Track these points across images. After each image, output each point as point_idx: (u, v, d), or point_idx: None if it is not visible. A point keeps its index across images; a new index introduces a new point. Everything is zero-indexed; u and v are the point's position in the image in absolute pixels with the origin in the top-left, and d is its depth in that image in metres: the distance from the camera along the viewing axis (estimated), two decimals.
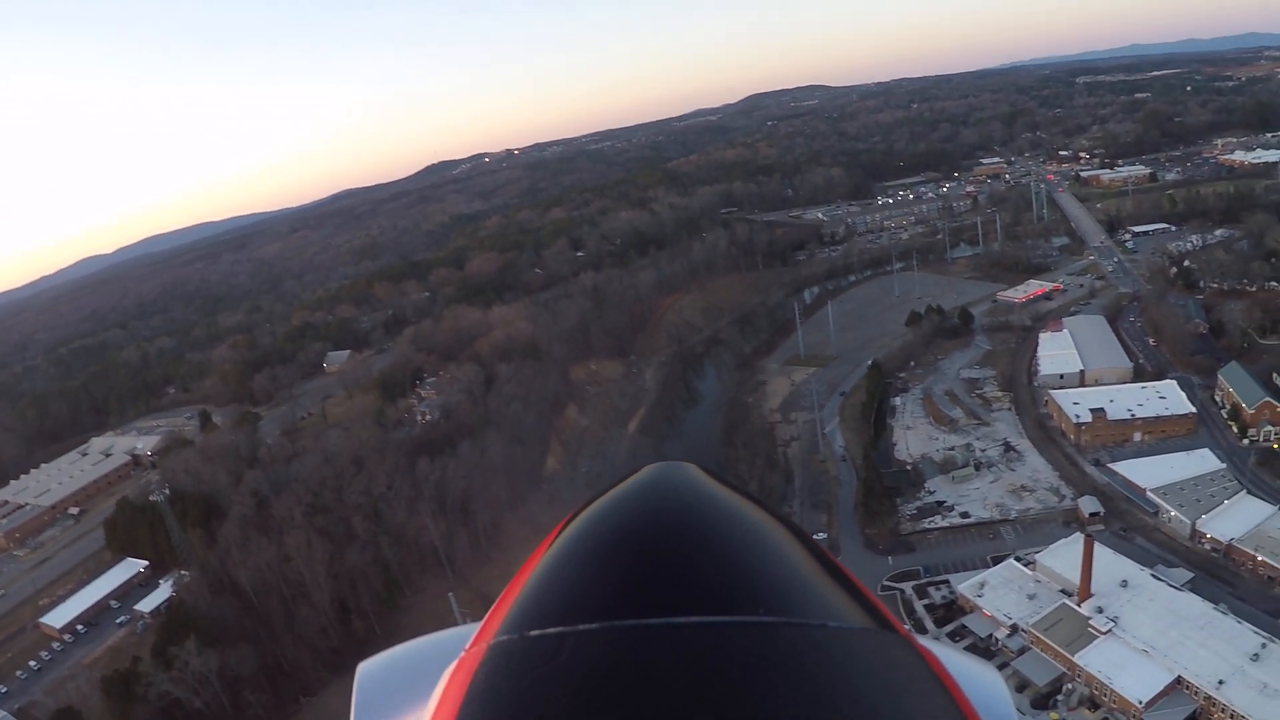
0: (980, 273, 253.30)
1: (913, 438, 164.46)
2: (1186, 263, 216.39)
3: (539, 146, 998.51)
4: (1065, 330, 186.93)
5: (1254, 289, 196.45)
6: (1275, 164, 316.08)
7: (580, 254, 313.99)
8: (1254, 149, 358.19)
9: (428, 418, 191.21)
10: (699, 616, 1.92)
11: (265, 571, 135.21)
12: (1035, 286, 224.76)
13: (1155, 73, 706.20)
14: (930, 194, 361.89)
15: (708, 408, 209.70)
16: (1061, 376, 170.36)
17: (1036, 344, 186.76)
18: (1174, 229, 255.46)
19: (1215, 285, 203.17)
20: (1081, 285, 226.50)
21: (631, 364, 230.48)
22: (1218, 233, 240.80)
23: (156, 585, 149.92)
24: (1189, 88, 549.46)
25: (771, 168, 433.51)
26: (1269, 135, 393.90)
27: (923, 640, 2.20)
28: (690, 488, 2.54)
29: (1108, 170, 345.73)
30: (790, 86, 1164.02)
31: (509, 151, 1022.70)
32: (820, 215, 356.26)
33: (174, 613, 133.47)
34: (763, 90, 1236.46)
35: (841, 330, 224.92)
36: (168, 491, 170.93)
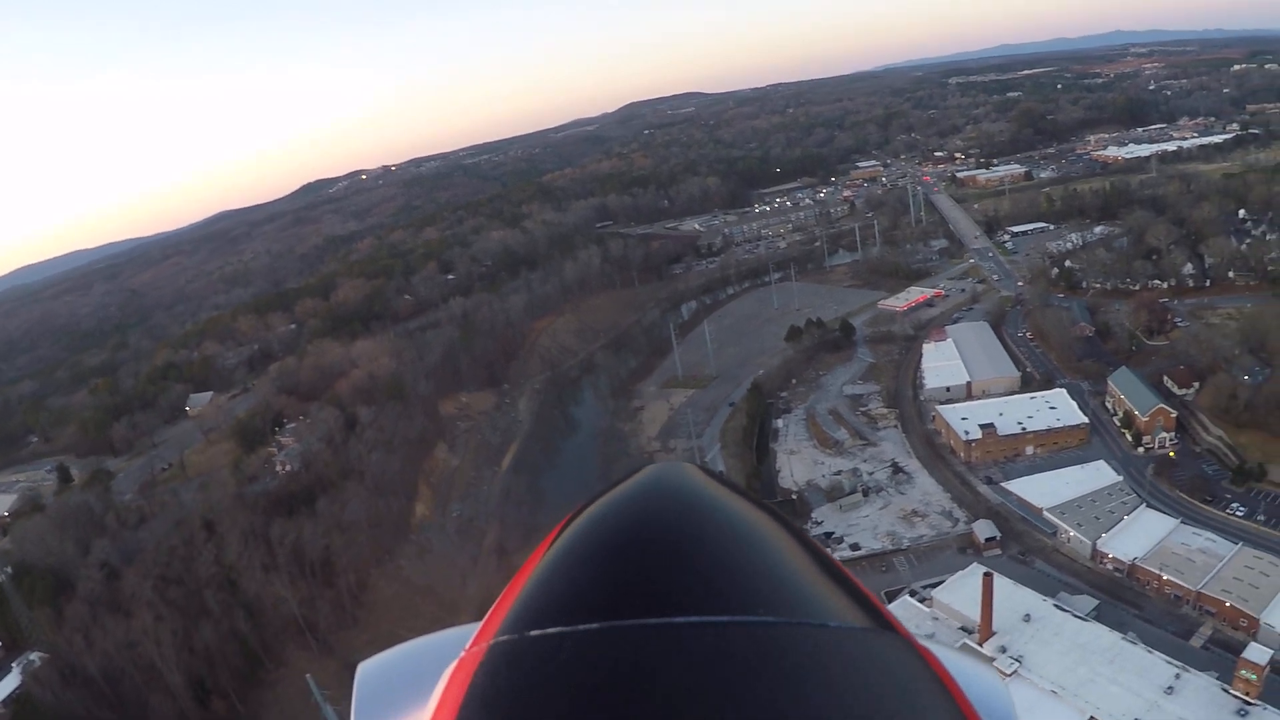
0: (860, 280, 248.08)
1: (797, 463, 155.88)
2: (1068, 263, 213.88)
3: (416, 162, 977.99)
4: (949, 339, 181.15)
5: (1137, 288, 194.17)
6: (1148, 158, 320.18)
7: (451, 277, 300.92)
8: (1126, 144, 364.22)
9: (287, 468, 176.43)
10: (699, 616, 1.93)
11: (115, 655, 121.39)
12: (917, 293, 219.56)
13: (1026, 72, 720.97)
14: (808, 200, 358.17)
15: (584, 438, 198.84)
16: (948, 389, 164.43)
17: (921, 355, 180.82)
18: (1052, 228, 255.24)
19: (1098, 285, 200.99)
20: (963, 290, 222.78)
21: (505, 394, 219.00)
22: (1096, 230, 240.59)
23: (8, 669, 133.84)
24: (1059, 85, 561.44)
25: (647, 179, 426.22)
26: (1140, 130, 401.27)
27: (923, 640, 2.20)
28: (689, 488, 2.56)
29: (983, 170, 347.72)
30: (667, 94, 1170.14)
31: (385, 168, 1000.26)
32: (697, 226, 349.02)
33: (21, 707, 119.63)
34: (640, 99, 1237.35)
35: (720, 347, 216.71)
36: (9, 570, 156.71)
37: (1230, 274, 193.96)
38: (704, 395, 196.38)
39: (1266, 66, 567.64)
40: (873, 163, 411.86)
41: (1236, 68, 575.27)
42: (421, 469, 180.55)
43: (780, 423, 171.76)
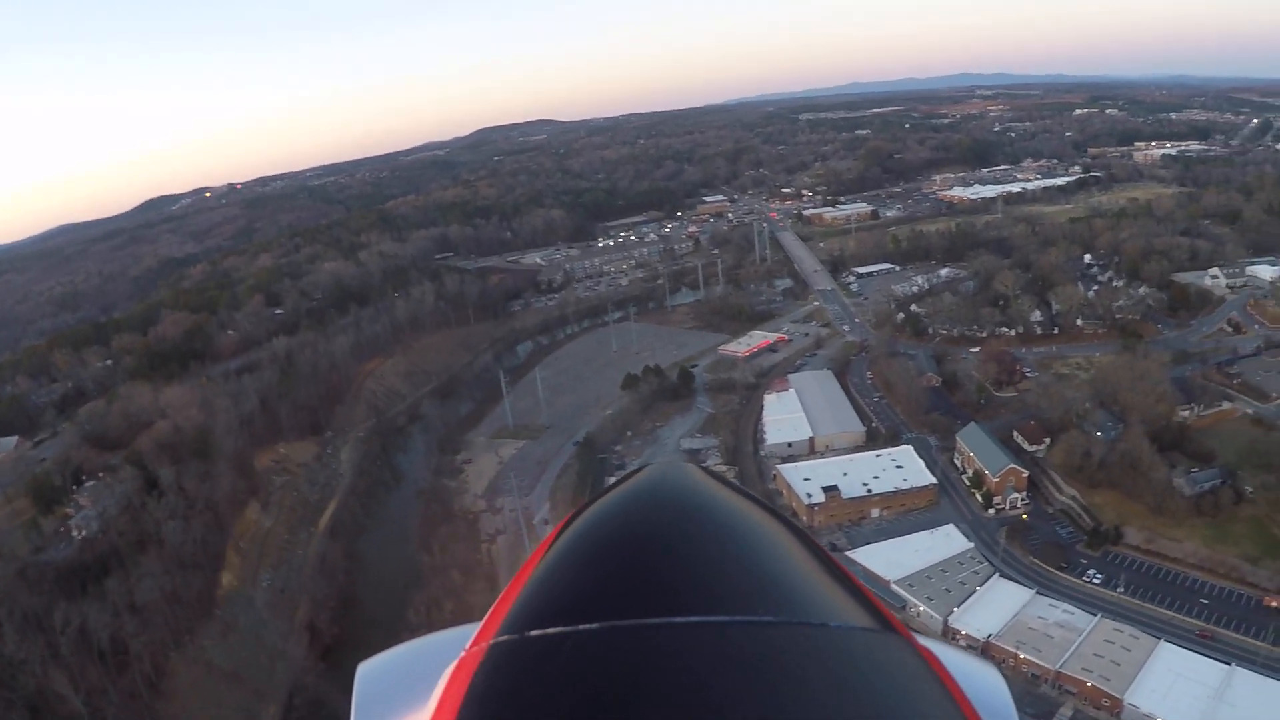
0: (702, 321, 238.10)
1: None
2: (914, 307, 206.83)
3: (262, 181, 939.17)
4: (792, 390, 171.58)
5: (985, 335, 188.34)
6: (993, 199, 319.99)
7: (279, 312, 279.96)
8: (971, 185, 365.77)
9: (82, 534, 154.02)
10: (699, 616, 1.95)
11: None
12: (759, 338, 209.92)
13: (875, 110, 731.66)
14: (652, 235, 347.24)
15: (407, 495, 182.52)
16: (790, 445, 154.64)
17: (762, 406, 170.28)
18: (898, 269, 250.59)
19: (945, 332, 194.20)
20: (807, 334, 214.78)
21: (327, 443, 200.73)
22: (942, 273, 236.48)
23: None
24: (907, 125, 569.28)
25: (490, 209, 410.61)
26: (985, 171, 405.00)
27: (923, 640, 2.24)
28: (690, 488, 2.59)
29: (830, 208, 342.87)
30: (520, 120, 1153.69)
31: (231, 186, 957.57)
32: (539, 260, 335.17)
33: None
34: (493, 124, 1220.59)
35: (555, 393, 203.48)
36: None
37: (1079, 321, 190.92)
38: (535, 447, 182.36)
39: (1107, 111, 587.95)
40: (720, 198, 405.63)
41: (1078, 112, 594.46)
42: (230, 533, 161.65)
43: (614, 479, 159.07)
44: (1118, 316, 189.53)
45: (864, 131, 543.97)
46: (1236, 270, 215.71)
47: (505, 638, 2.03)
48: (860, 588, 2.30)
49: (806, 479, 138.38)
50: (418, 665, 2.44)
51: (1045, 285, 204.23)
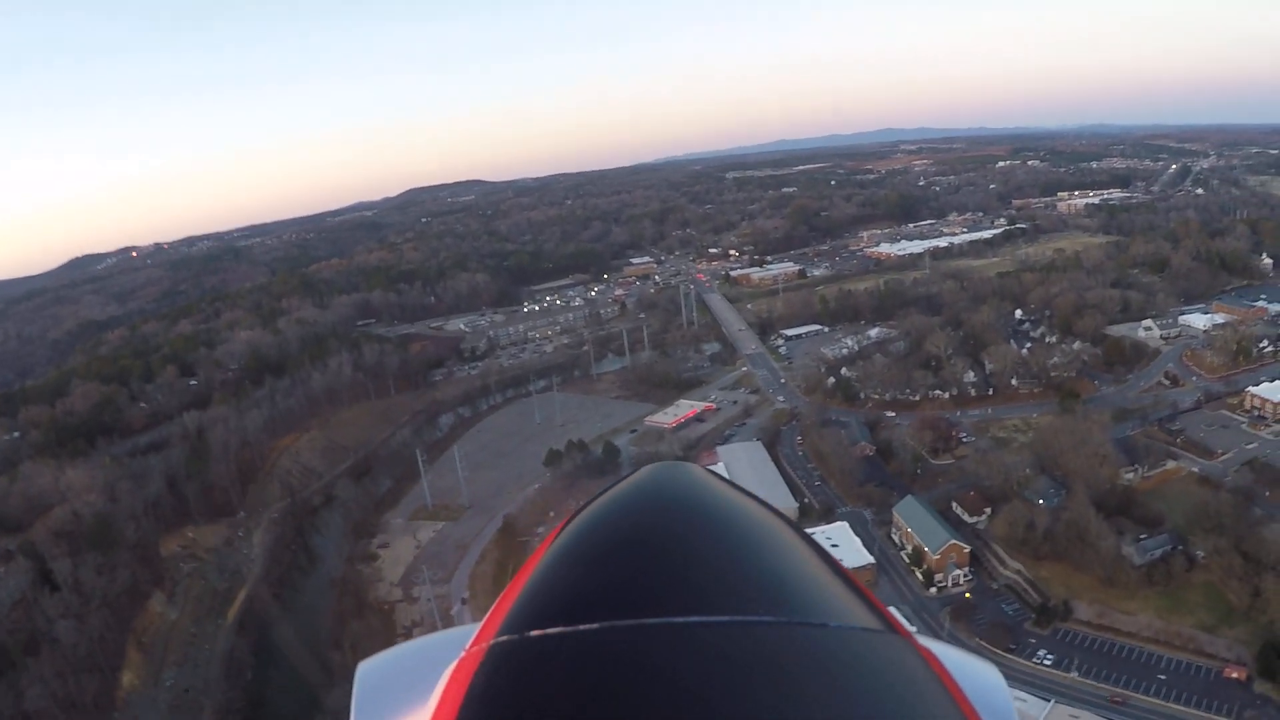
0: (628, 390, 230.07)
1: None
2: (844, 371, 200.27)
3: (189, 240, 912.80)
4: (720, 463, 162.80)
5: (918, 399, 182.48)
6: (920, 255, 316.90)
7: (194, 383, 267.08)
8: (898, 240, 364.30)
9: None
10: (699, 616, 1.95)
11: None
12: (687, 407, 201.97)
13: (802, 167, 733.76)
14: (579, 299, 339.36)
15: (320, 583, 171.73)
16: None
17: None
18: (826, 330, 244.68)
19: (877, 396, 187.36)
20: (735, 402, 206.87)
21: (239, 525, 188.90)
22: (872, 333, 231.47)
23: None
24: (833, 182, 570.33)
25: (415, 273, 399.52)
26: (911, 226, 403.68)
27: (923, 640, 2.23)
28: (689, 487, 2.60)
29: (758, 268, 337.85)
30: (449, 181, 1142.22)
31: (158, 245, 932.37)
32: (462, 326, 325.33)
33: None
34: (423, 184, 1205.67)
35: (476, 470, 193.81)
36: None
37: (1014, 381, 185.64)
38: (455, 529, 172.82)
39: (1029, 163, 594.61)
40: (647, 259, 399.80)
41: (1001, 164, 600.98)
42: (132, 627, 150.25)
43: None
44: (1053, 374, 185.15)
45: (790, 189, 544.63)
46: (1169, 321, 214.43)
47: (505, 638, 2.03)
48: (860, 588, 2.30)
49: None
50: (418, 665, 2.42)
51: (977, 344, 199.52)
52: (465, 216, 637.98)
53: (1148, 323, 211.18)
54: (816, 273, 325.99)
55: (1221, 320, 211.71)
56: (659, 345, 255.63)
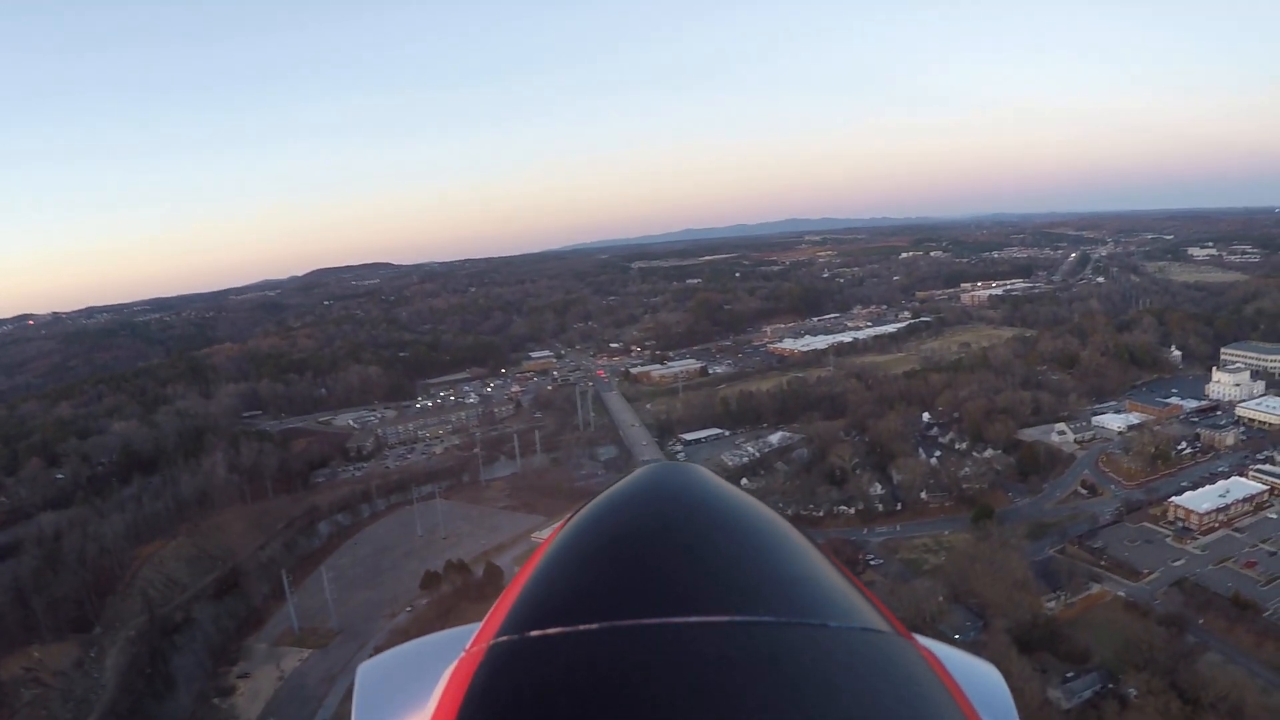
0: (518, 500, 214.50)
1: None
2: (744, 482, 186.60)
3: (88, 311, 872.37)
4: None
5: (821, 514, 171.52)
6: (824, 351, 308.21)
7: (60, 476, 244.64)
8: (802, 335, 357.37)
9: None
10: (698, 616, 1.95)
11: None
12: None
13: (707, 257, 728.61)
14: (474, 395, 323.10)
15: (179, 715, 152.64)
16: None
17: None
18: (727, 434, 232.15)
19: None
20: None
21: (93, 644, 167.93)
22: (773, 438, 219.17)
23: None
24: (738, 273, 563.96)
25: (306, 363, 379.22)
26: (815, 320, 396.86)
27: (923, 640, 2.24)
28: (689, 487, 2.59)
29: (659, 365, 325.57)
30: (356, 263, 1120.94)
31: (55, 315, 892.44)
32: (351, 422, 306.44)
33: None
34: (329, 265, 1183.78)
35: (350, 589, 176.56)
36: None
37: (923, 494, 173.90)
38: (322, 659, 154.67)
39: (932, 253, 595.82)
40: (547, 354, 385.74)
41: (904, 255, 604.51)
42: None
43: None
44: (965, 486, 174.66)
45: (695, 280, 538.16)
46: (1083, 423, 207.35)
47: (505, 638, 2.03)
48: (861, 588, 2.31)
49: None
50: (418, 665, 2.42)
51: (884, 453, 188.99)
52: (367, 301, 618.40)
53: (1061, 426, 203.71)
54: (719, 370, 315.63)
55: (1136, 420, 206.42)
56: (553, 448, 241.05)
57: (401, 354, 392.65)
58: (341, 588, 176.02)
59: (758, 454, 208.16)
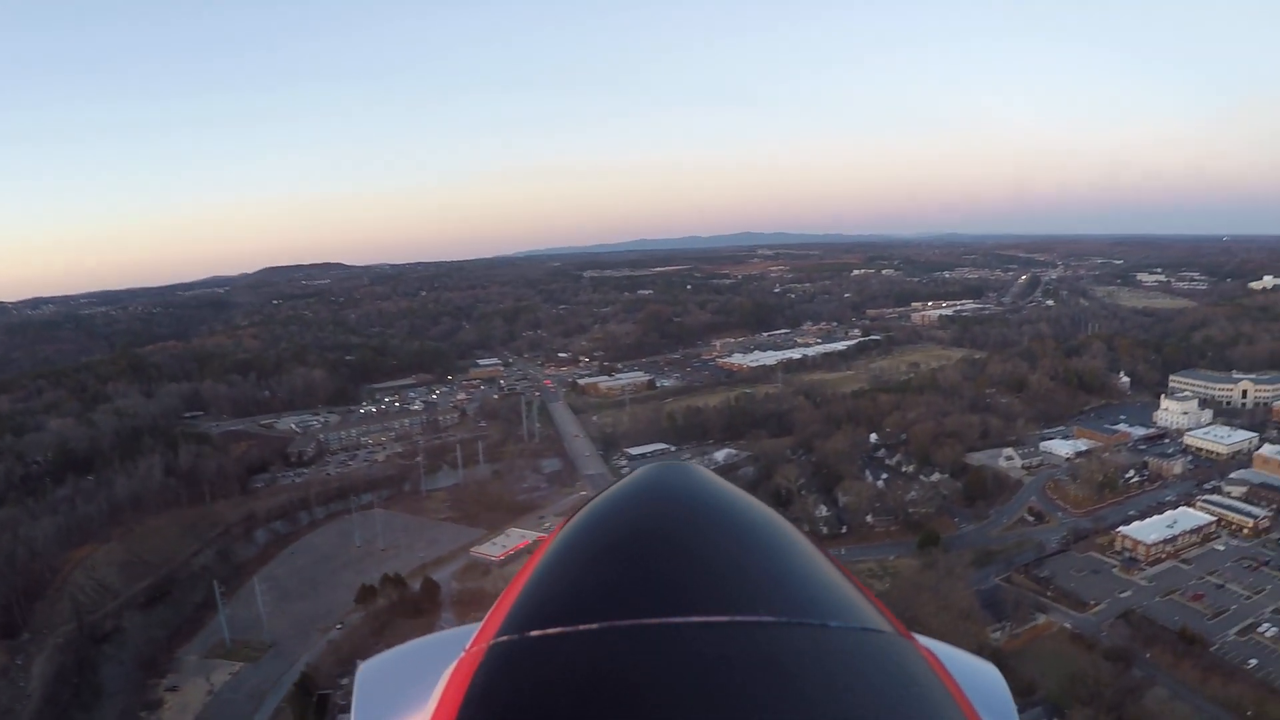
0: (459, 512, 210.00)
1: None
2: None
3: (35, 302, 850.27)
4: None
5: None
6: (773, 367, 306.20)
7: None
8: (751, 350, 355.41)
9: None
10: (699, 616, 1.95)
11: None
12: (517, 537, 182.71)
13: (659, 269, 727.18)
14: (419, 402, 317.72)
15: None
16: None
17: None
18: (673, 449, 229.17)
19: None
20: None
21: (20, 650, 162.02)
22: (719, 455, 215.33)
23: None
24: (689, 286, 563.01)
25: (251, 363, 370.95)
26: (765, 335, 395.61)
27: (923, 640, 2.24)
28: (690, 487, 2.59)
29: (606, 377, 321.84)
30: (307, 262, 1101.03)
31: (2, 305, 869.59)
32: (294, 426, 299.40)
33: None
34: (280, 264, 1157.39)
35: (285, 600, 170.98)
36: None
37: (869, 517, 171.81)
38: (253, 673, 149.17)
39: (884, 272, 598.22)
40: (495, 361, 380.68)
41: (856, 273, 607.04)
42: None
43: None
44: (911, 511, 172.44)
45: (646, 292, 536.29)
46: (1030, 449, 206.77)
47: (505, 638, 2.03)
48: (861, 588, 2.31)
49: None
50: (418, 665, 2.41)
51: (831, 475, 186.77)
52: (317, 303, 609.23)
53: (1009, 451, 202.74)
54: (667, 383, 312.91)
55: (1084, 446, 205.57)
56: (496, 459, 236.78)
57: (348, 357, 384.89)
58: (276, 598, 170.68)
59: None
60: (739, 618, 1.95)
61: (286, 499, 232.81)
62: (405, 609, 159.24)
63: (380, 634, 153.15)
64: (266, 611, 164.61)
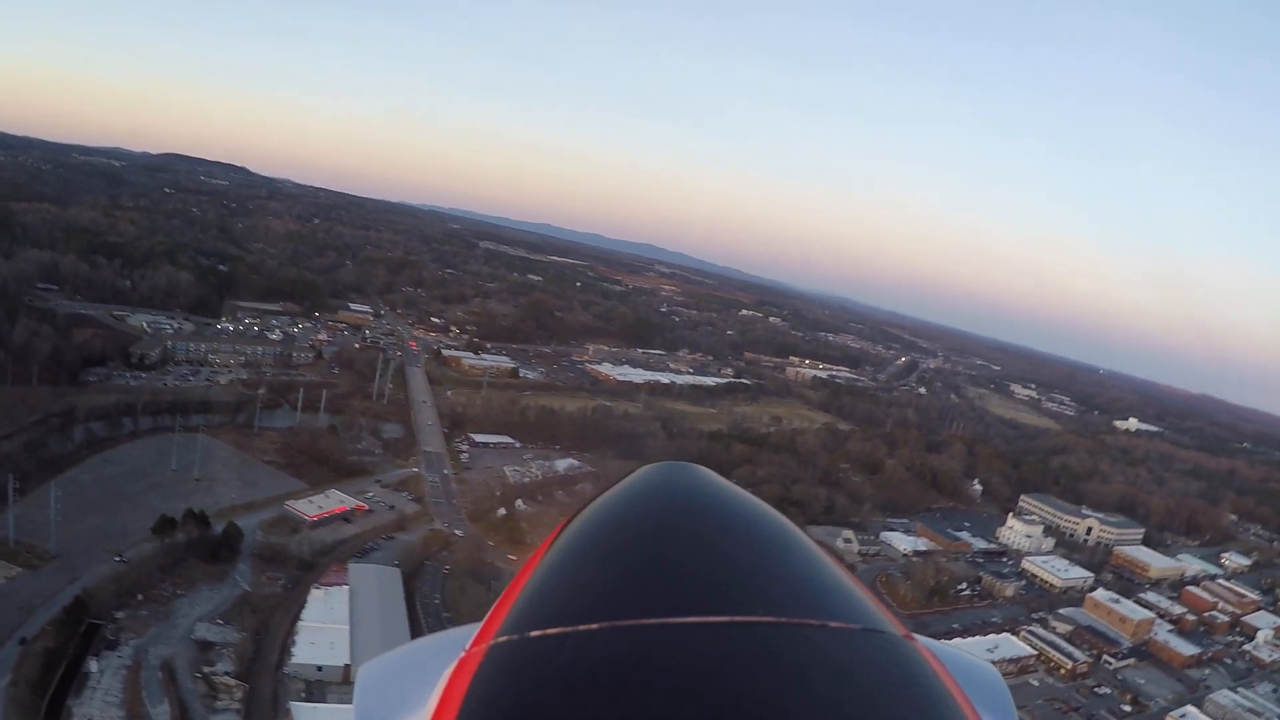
0: (285, 458, 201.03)
1: None
2: (520, 504, 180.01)
3: None
4: (348, 587, 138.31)
5: None
6: (639, 386, 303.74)
7: None
8: (622, 364, 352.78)
9: None
10: (699, 617, 1.95)
11: None
12: (337, 500, 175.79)
13: (556, 257, 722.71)
14: (279, 331, 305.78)
15: None
16: (320, 669, 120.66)
17: (305, 602, 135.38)
18: (518, 445, 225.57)
19: None
20: (393, 507, 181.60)
21: None
22: (561, 465, 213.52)
23: None
24: (579, 283, 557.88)
25: (120, 249, 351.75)
26: (640, 351, 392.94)
27: (923, 640, 2.24)
28: (690, 487, 2.58)
29: (472, 354, 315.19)
30: (212, 159, 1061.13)
31: None
32: (145, 325, 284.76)
33: None
34: (186, 152, 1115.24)
35: (81, 510, 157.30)
36: None
37: None
38: (30, 582, 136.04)
39: (771, 319, 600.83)
40: (367, 309, 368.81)
41: (744, 313, 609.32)
42: None
43: (96, 666, 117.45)
44: None
45: (536, 278, 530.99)
46: (871, 535, 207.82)
47: (505, 638, 2.03)
48: (862, 588, 2.30)
49: None
50: (418, 665, 2.40)
51: None
52: (208, 203, 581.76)
53: (848, 533, 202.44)
54: (530, 375, 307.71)
55: (924, 546, 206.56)
56: (338, 411, 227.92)
57: (221, 267, 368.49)
58: (74, 507, 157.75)
59: (540, 475, 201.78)
60: (739, 618, 1.95)
61: (114, 401, 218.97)
62: (201, 551, 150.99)
63: (170, 572, 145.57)
64: (58, 519, 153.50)
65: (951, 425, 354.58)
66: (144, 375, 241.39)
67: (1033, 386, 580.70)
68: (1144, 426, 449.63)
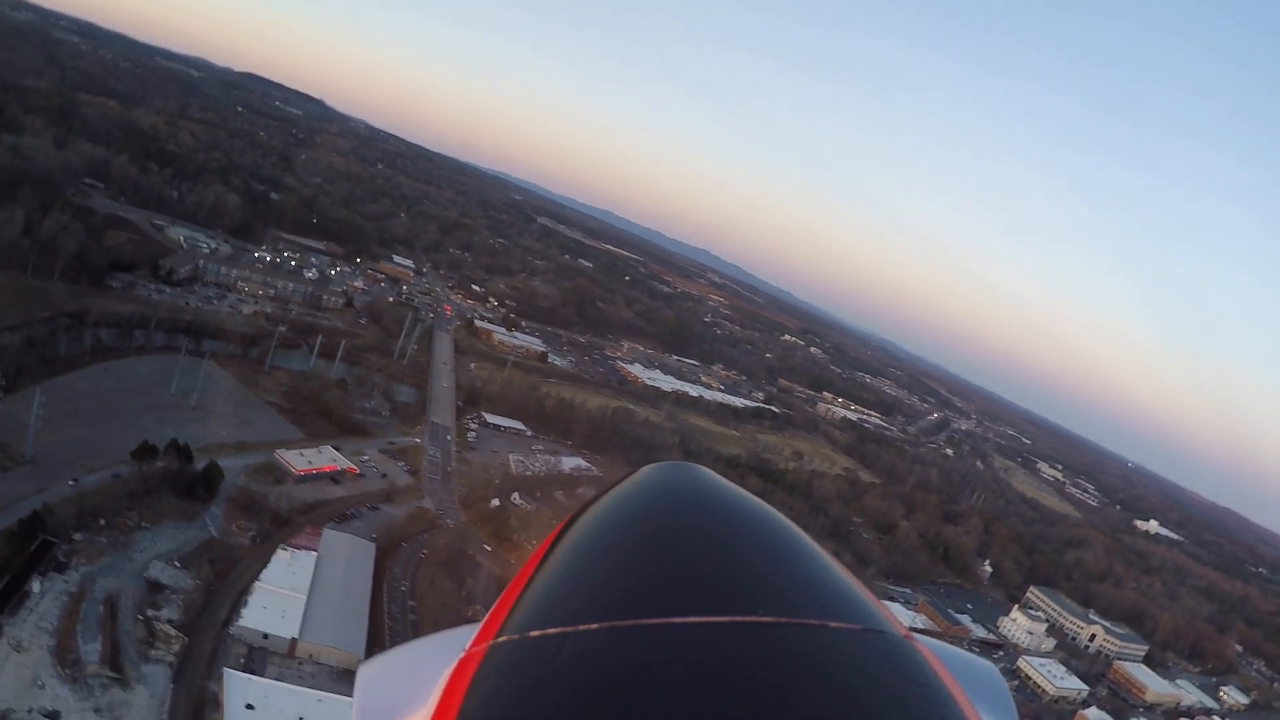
0: (289, 401, 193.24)
1: (10, 676, 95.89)
2: (516, 498, 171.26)
3: (15, 3, 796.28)
4: (315, 554, 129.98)
5: None
6: (666, 394, 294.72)
7: None
8: (654, 367, 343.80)
9: None
10: (699, 617, 1.95)
11: None
12: (329, 457, 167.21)
13: (610, 247, 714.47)
14: (315, 270, 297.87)
15: None
16: (266, 636, 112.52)
17: (268, 563, 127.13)
18: (529, 433, 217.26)
19: (532, 544, 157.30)
20: (384, 475, 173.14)
21: None
22: (566, 463, 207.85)
23: None
24: (628, 277, 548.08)
25: (174, 158, 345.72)
26: (674, 358, 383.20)
27: (923, 640, 2.25)
28: (690, 487, 2.58)
29: (504, 330, 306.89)
30: (291, 86, 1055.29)
31: None
32: (182, 239, 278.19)
33: None
34: (265, 75, 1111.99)
35: (69, 420, 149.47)
36: None
37: None
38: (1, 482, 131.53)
39: (813, 349, 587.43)
40: (410, 264, 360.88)
41: (787, 337, 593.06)
42: None
43: (39, 587, 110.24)
44: None
45: (587, 264, 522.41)
46: None
47: (506, 638, 2.03)
48: (862, 588, 2.31)
49: (249, 707, 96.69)
50: (419, 665, 2.40)
51: None
52: (276, 128, 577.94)
53: None
54: (559, 362, 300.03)
55: (922, 625, 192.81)
56: (355, 363, 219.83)
57: (273, 195, 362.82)
58: (62, 414, 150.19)
59: (543, 470, 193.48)
60: (740, 618, 1.95)
61: (130, 311, 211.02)
62: (177, 485, 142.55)
63: (139, 501, 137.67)
64: (44, 425, 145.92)
65: (972, 495, 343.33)
66: (168, 290, 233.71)
67: (1059, 467, 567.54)
68: (1164, 531, 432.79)
